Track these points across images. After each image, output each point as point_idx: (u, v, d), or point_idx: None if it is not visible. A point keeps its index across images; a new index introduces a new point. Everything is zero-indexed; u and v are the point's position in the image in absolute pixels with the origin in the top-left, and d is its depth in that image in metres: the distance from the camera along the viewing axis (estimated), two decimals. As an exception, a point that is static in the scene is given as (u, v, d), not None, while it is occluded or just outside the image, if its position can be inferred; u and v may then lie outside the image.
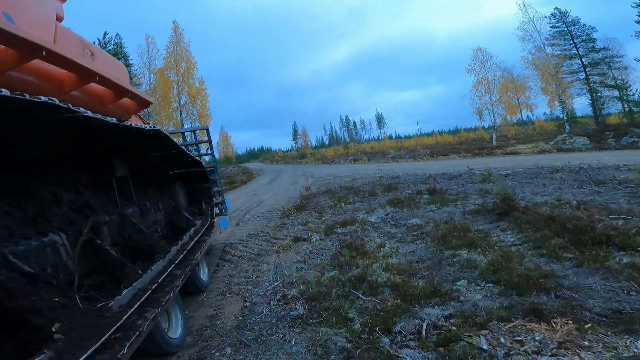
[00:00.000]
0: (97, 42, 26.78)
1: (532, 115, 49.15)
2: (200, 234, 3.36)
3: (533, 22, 30.04)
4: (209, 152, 6.70)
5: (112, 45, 27.05)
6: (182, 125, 28.40)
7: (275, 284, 4.74)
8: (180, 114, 28.21)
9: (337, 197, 10.87)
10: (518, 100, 35.91)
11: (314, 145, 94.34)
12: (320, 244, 6.38)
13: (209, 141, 6.60)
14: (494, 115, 31.27)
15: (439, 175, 13.40)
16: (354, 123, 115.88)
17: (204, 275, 4.98)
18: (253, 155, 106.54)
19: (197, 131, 6.71)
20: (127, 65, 27.94)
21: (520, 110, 40.12)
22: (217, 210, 6.79)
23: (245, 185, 24.06)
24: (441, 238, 5.47)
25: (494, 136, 30.71)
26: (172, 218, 3.30)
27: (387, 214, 7.65)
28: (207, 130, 6.69)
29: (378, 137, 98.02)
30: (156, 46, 27.77)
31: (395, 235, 6.17)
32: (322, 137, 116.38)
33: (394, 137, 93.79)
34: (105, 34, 26.89)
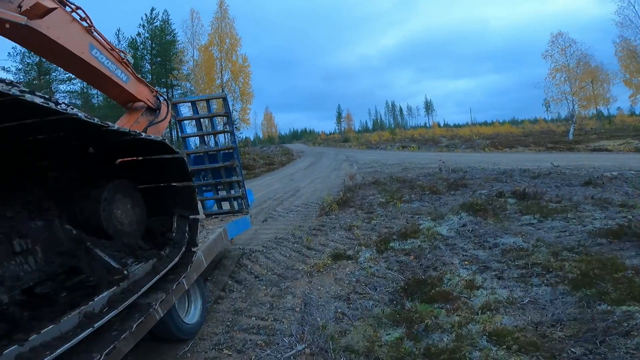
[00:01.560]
0: (144, 18, 26.16)
1: (608, 109, 43.13)
2: (137, 294, 1.57)
3: (634, 6, 25.06)
4: (227, 128, 4.87)
5: (158, 22, 26.30)
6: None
7: (299, 347, 2.86)
8: (222, 91, 27.16)
9: (388, 192, 8.76)
10: (594, 92, 31.22)
11: (357, 130, 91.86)
12: (371, 267, 4.41)
13: (227, 114, 4.77)
14: (573, 107, 26.83)
15: (515, 172, 10.75)
16: (400, 109, 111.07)
17: (192, 315, 3.24)
18: (296, 136, 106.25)
19: (211, 100, 4.90)
20: (174, 42, 27.12)
21: (597, 103, 35.20)
22: (235, 205, 5.02)
23: (284, 167, 22.53)
24: (581, 279, 3.30)
25: (572, 129, 26.37)
26: (77, 263, 1.54)
27: (464, 225, 5.46)
28: (225, 99, 4.85)
29: (425, 124, 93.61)
30: (200, 22, 26.65)
31: (488, 264, 4.04)
32: (365, 122, 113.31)
33: (442, 125, 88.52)
34: (152, 9, 26.15)
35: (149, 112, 4.55)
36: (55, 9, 2.69)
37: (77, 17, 3.21)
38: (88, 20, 3.30)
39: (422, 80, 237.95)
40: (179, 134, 5.04)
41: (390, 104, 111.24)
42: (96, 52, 3.46)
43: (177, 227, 2.20)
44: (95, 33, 3.43)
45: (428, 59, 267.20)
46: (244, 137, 40.54)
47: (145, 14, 26.77)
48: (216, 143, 5.05)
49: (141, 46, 27.02)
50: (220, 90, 27.09)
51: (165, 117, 4.70)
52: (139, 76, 4.50)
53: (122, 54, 3.93)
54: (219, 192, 5.00)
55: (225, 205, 5.13)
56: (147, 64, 27.69)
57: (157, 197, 2.26)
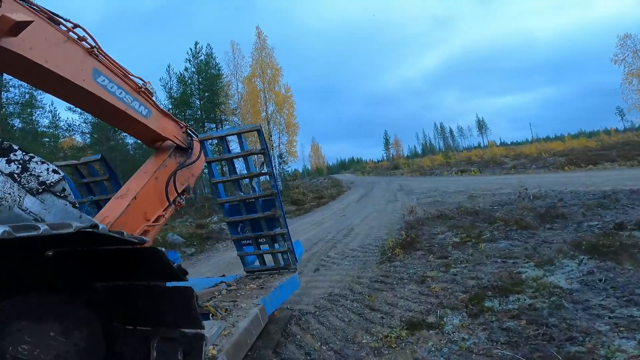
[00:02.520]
0: (189, 52, 27.69)
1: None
2: None
3: None
4: (265, 169, 4.05)
5: (203, 56, 27.72)
6: (270, 136, 27.36)
7: None
8: (268, 124, 27.37)
9: (461, 228, 7.43)
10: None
11: (406, 155, 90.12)
12: (464, 339, 3.21)
13: (264, 151, 3.96)
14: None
15: (620, 195, 8.83)
16: (450, 130, 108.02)
17: None
18: (344, 166, 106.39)
19: (243, 134, 4.15)
20: (219, 75, 28.23)
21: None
22: (281, 261, 4.11)
23: (334, 201, 21.63)
24: None
25: (665, 138, 22.82)
26: None
27: (589, 272, 4.06)
28: (259, 132, 4.06)
29: (479, 144, 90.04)
30: (241, 53, 27.54)
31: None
32: (414, 147, 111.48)
33: (499, 144, 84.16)
34: (196, 43, 27.70)
35: (179, 152, 3.95)
36: (29, 22, 2.09)
37: (75, 37, 2.64)
38: (91, 40, 2.72)
39: (470, 99, 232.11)
40: (210, 177, 4.32)
41: (439, 126, 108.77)
42: (104, 80, 2.86)
43: (158, 356, 1.30)
44: (101, 56, 2.85)
45: (473, 77, 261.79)
46: (293, 170, 40.66)
47: (190, 49, 28.25)
48: (253, 188, 4.21)
49: (189, 81, 28.24)
50: (266, 124, 27.27)
51: (198, 158, 4.06)
52: (166, 109, 3.94)
53: (140, 82, 3.32)
54: (261, 245, 4.17)
55: (269, 259, 4.27)
56: (196, 99, 28.84)
57: (129, 305, 1.41)
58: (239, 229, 4.14)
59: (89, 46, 2.73)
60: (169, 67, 29.20)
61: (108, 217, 3.09)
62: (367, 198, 19.37)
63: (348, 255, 7.03)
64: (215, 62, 28.20)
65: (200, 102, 28.14)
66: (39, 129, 25.38)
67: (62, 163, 4.54)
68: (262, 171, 4.02)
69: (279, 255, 4.06)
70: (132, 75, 3.31)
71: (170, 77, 29.79)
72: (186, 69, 27.90)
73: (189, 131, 4.10)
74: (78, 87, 2.63)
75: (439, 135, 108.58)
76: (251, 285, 3.55)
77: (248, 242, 4.16)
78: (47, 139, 26.74)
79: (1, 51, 2.07)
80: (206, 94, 28.09)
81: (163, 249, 1.29)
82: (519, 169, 24.71)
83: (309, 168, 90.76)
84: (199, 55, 27.69)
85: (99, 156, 4.38)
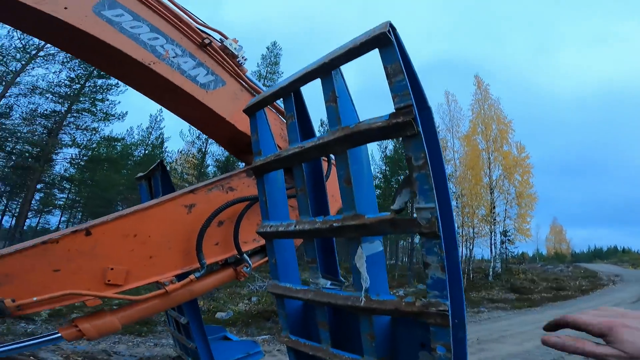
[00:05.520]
0: None
1: None
2: None
3: None
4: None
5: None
6: (494, 207, 23.01)
7: None
8: (492, 192, 23.66)
9: None
10: None
11: None
12: None
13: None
14: None
15: None
16: None
17: None
18: (598, 255, 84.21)
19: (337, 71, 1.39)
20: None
21: None
22: None
23: (586, 297, 16.44)
24: None
25: None
26: None
27: None
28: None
29: None
30: (458, 104, 25.04)
31: None
32: None
33: None
34: None
35: None
36: None
37: None
38: None
39: None
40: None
41: None
42: (119, 15, 1.86)
43: None
44: None
45: None
46: (520, 252, 34.01)
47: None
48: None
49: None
50: (489, 192, 23.54)
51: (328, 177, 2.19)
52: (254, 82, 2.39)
53: (217, 36, 2.23)
54: None
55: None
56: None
57: None
58: None
59: None
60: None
61: None
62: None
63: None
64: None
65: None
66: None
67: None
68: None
69: None
70: (200, 25, 2.19)
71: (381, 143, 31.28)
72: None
73: None
74: (69, 27, 1.77)
75: None
76: None
77: None
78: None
79: None
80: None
81: None
82: None
83: (543, 253, 75.87)
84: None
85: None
